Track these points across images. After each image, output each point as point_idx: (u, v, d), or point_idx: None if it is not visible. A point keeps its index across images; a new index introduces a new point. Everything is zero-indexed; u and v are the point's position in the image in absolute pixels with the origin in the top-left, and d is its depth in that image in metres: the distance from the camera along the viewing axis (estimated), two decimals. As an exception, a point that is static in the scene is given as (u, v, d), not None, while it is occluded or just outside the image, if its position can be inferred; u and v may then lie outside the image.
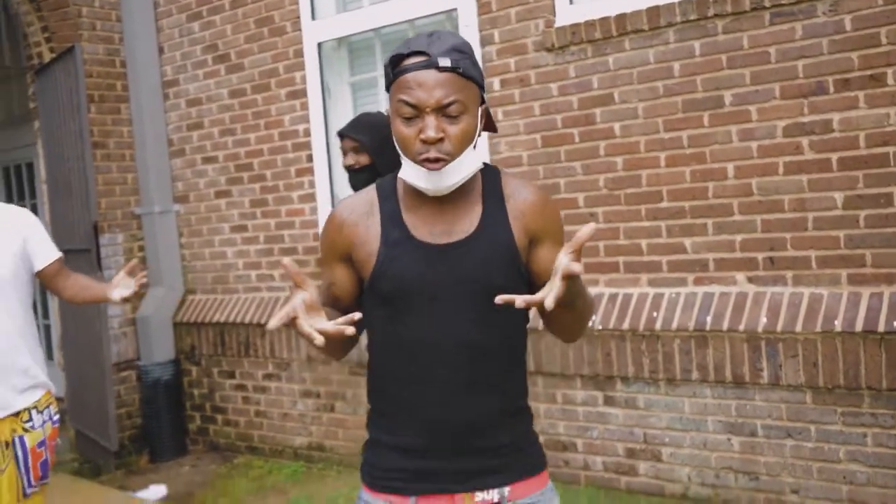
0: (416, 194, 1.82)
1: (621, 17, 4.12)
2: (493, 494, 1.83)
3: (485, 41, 4.57)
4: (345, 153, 3.48)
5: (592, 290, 4.28)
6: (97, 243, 5.46)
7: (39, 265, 3.25)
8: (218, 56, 5.83)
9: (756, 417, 3.85)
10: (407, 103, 1.71)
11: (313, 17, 5.36)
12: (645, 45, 4.09)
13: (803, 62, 3.71)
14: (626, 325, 4.10)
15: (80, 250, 5.50)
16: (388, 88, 1.79)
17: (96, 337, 5.59)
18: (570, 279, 1.53)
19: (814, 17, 3.66)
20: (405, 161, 1.78)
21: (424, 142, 1.71)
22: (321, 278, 1.95)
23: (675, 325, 4.00)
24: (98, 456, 5.74)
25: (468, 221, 1.80)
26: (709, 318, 3.92)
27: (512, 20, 4.48)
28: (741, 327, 3.83)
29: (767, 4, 3.75)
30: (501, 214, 1.81)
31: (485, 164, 1.87)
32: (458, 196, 1.81)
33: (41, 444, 3.24)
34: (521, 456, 1.88)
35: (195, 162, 6.06)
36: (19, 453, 3.18)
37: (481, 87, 1.80)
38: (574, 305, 1.68)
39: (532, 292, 1.76)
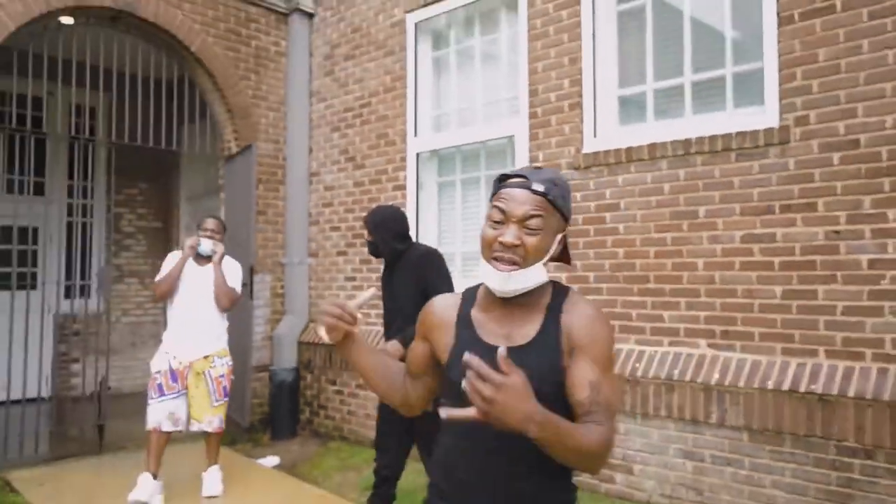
0: (491, 298, 1.61)
1: (629, 149, 4.18)
2: None
3: (532, 159, 4.67)
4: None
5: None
6: (252, 280, 5.71)
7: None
8: (348, 157, 6.04)
9: (706, 448, 3.77)
10: (499, 209, 1.54)
11: (415, 135, 5.54)
12: (645, 170, 4.13)
13: (758, 190, 3.71)
14: (617, 372, 4.09)
15: (242, 285, 5.77)
16: (491, 199, 1.61)
17: (244, 347, 5.79)
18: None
19: (767, 158, 3.68)
20: (482, 261, 1.58)
21: (502, 244, 1.52)
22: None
23: (651, 374, 3.96)
24: (234, 431, 5.85)
25: (529, 329, 1.56)
26: (676, 372, 3.88)
27: (552, 146, 4.58)
28: (699, 380, 3.77)
29: (734, 147, 3.77)
30: (556, 327, 1.55)
31: (560, 284, 1.65)
32: (525, 304, 1.58)
33: (221, 376, 4.37)
34: None
35: (325, 229, 6.24)
36: (209, 380, 4.31)
37: (566, 219, 1.59)
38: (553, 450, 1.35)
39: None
